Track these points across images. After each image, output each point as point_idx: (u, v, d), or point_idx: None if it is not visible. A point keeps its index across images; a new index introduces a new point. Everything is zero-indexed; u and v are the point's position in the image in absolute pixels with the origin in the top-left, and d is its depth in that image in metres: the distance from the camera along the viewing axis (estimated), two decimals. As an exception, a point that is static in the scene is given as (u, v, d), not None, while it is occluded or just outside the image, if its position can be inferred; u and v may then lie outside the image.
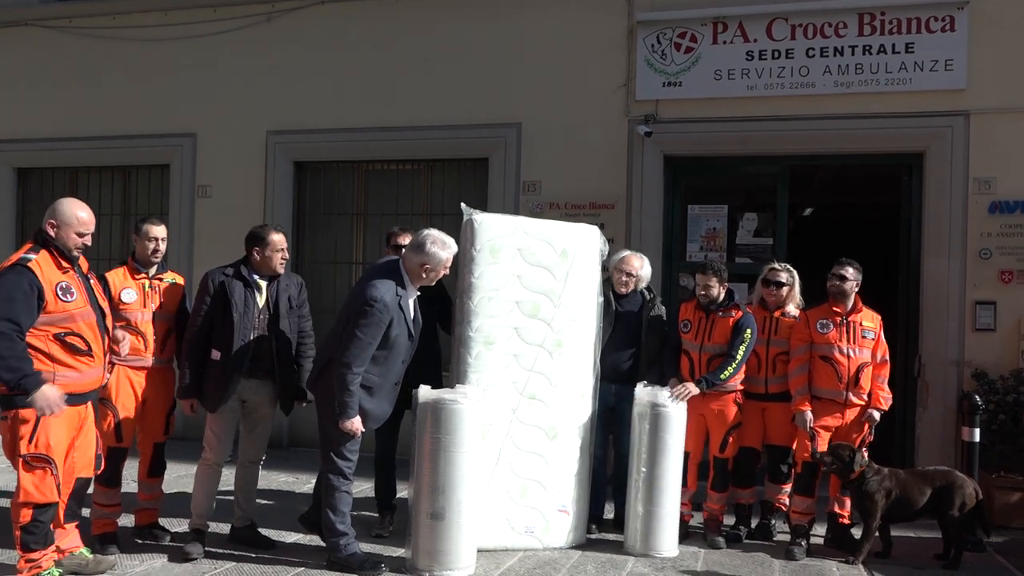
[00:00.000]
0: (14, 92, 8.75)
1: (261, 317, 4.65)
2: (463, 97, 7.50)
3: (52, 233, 3.96)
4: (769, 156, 7.01)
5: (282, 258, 4.71)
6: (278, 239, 4.69)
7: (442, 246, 4.38)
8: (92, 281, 4.16)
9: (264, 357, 4.65)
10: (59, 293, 3.85)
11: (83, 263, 4.16)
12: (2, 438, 3.92)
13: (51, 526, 3.94)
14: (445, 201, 7.66)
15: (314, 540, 4.92)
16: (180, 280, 4.89)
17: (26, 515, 3.84)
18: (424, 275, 4.40)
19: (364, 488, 6.20)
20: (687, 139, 7.05)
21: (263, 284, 4.71)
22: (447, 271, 4.49)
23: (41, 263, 3.87)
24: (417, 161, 7.83)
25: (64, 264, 3.96)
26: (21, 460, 3.83)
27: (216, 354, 4.59)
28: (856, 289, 5.10)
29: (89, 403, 4.08)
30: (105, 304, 4.18)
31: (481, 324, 4.82)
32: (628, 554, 4.88)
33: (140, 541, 4.75)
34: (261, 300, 4.68)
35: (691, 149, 7.12)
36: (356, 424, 4.35)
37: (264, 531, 4.94)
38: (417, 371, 4.86)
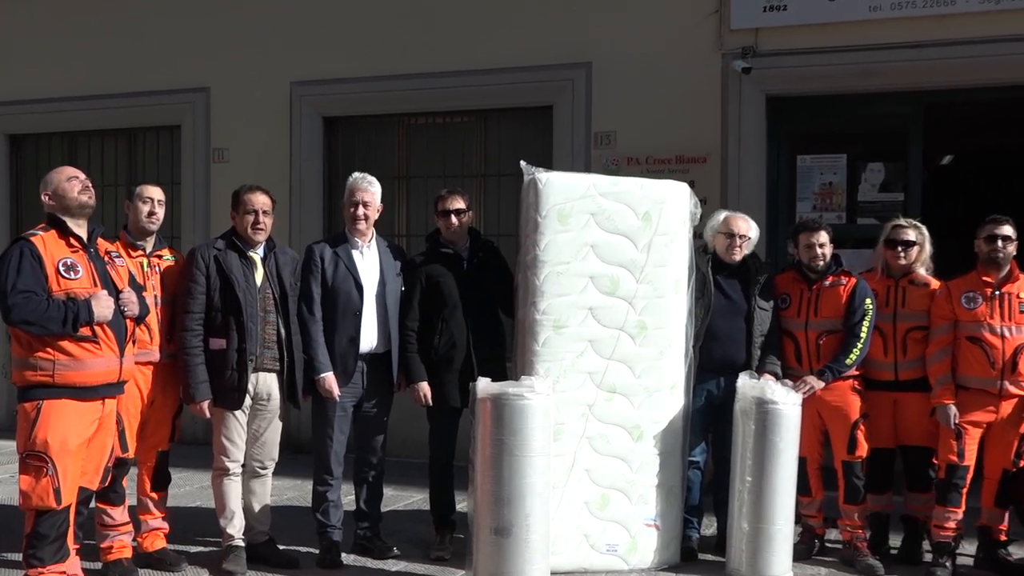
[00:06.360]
0: (2, 48, 9.01)
1: (264, 296, 4.77)
2: (521, 33, 7.46)
3: (52, 203, 4.21)
4: (898, 92, 6.83)
5: (256, 222, 4.78)
6: (252, 199, 4.79)
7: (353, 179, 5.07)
8: (109, 264, 4.32)
9: (270, 344, 4.79)
10: (61, 270, 4.08)
11: (101, 245, 4.34)
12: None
13: (63, 542, 4.11)
14: (502, 159, 7.65)
15: (360, 560, 5.06)
16: (179, 259, 4.99)
17: (28, 523, 4.09)
18: (351, 212, 4.98)
19: (416, 499, 6.30)
20: (794, 75, 6.92)
21: (257, 258, 4.82)
22: (368, 207, 4.99)
23: (46, 239, 4.13)
24: (468, 112, 7.83)
25: (73, 243, 4.17)
26: (20, 459, 4.08)
27: (220, 343, 4.71)
28: (1014, 253, 4.96)
29: (104, 401, 4.22)
30: (123, 287, 4.30)
31: (549, 304, 4.81)
32: (731, 577, 4.87)
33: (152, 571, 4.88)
34: (259, 276, 4.80)
35: (800, 87, 6.98)
36: (331, 381, 4.82)
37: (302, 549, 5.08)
38: (476, 360, 4.95)
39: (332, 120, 8.17)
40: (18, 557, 4.29)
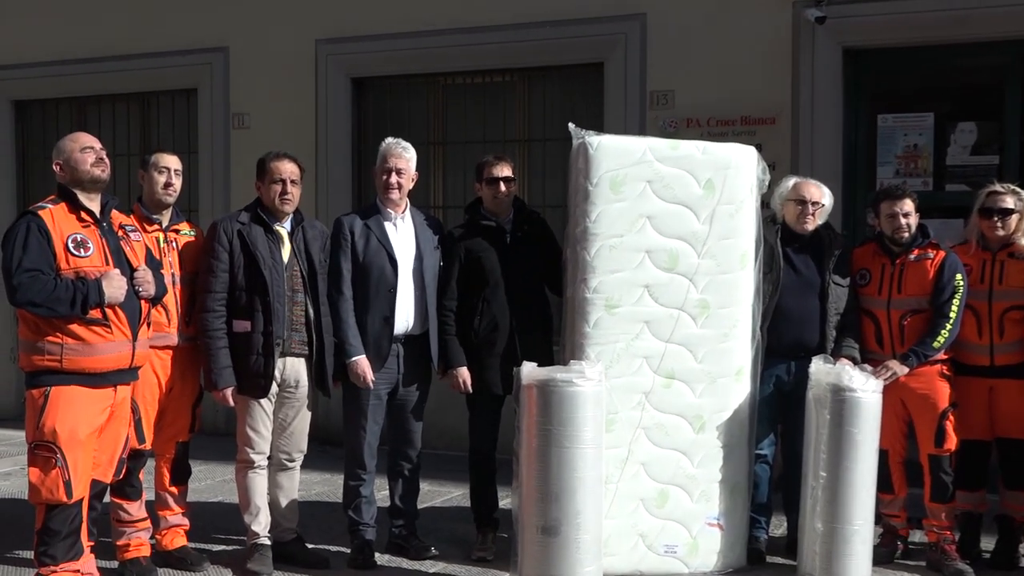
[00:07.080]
0: (5, 9, 9.13)
1: (291, 274, 4.81)
2: (568, -18, 7.41)
3: (63, 173, 4.28)
4: (993, 42, 6.69)
5: (283, 193, 4.82)
6: (279, 167, 4.83)
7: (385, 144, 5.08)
8: (124, 239, 4.38)
9: (298, 327, 4.84)
10: (70, 246, 4.14)
11: (115, 219, 4.41)
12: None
13: (76, 538, 4.19)
14: (548, 121, 7.65)
15: (395, 560, 5.11)
16: (199, 234, 5.05)
17: (38, 519, 4.18)
18: (384, 180, 4.99)
19: (455, 495, 6.33)
20: (874, 24, 6.81)
21: (284, 232, 4.86)
22: (402, 174, 5.00)
23: (55, 212, 4.19)
24: (510, 71, 7.82)
25: (84, 217, 4.23)
26: (28, 449, 4.17)
27: (244, 325, 4.75)
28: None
29: (116, 388, 4.28)
30: (137, 264, 4.35)
31: (601, 282, 4.81)
32: (803, 582, 4.86)
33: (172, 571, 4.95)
34: (286, 252, 4.84)
35: (880, 38, 6.88)
36: (363, 365, 4.84)
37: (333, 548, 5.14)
38: (520, 343, 4.96)
39: (361, 81, 8.20)
40: (29, 554, 4.39)
